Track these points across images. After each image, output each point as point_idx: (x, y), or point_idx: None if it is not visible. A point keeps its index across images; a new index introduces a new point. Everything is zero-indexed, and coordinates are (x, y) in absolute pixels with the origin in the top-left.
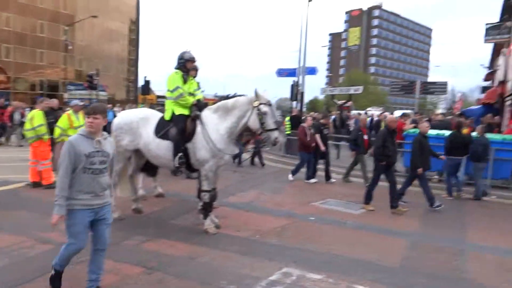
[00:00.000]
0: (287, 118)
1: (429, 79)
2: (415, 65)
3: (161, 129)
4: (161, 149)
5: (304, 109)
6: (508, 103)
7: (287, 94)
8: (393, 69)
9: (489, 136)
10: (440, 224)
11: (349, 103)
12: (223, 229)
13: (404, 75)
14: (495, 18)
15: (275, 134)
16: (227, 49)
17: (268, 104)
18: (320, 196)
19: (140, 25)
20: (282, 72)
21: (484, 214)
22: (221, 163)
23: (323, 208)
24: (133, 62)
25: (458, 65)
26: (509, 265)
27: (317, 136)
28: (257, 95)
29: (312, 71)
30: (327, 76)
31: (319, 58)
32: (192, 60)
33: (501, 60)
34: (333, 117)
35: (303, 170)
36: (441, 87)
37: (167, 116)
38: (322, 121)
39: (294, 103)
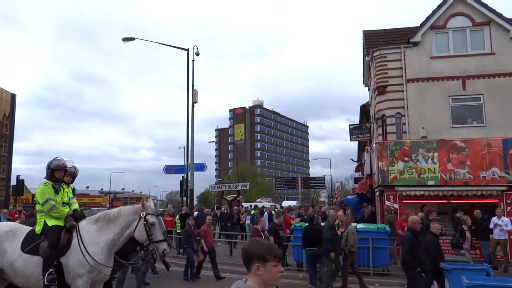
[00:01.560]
0: (177, 217)
1: (310, 170)
2: (296, 158)
3: (30, 243)
4: (29, 267)
5: (195, 203)
6: (377, 193)
7: (177, 186)
8: (277, 161)
9: (364, 226)
10: None
11: (239, 198)
12: None
13: (287, 166)
14: (357, 119)
15: (164, 245)
16: (114, 146)
17: (156, 214)
18: None
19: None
20: (170, 169)
21: None
22: (99, 277)
23: None
24: (5, 159)
25: (334, 157)
26: None
27: (272, 239)
28: (143, 205)
29: (200, 167)
30: (217, 170)
31: (208, 151)
32: (59, 169)
33: (366, 156)
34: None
35: None
36: (319, 182)
37: (38, 229)
38: (275, 221)
39: (184, 199)
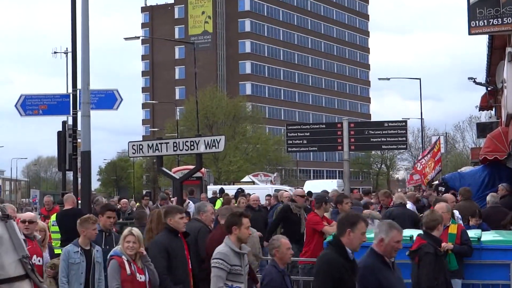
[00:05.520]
0: (53, 216)
1: (372, 107)
2: (337, 76)
3: None
4: None
5: (95, 186)
6: None
7: (52, 146)
8: (292, 85)
9: (498, 236)
10: None
11: (203, 173)
12: None
13: (317, 98)
14: None
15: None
16: None
17: (2, 216)
18: None
19: None
20: (33, 106)
21: None
22: None
23: None
24: None
25: (430, 76)
26: None
27: None
28: None
29: (107, 101)
30: (146, 107)
31: (127, 61)
32: None
33: (508, 70)
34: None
35: None
36: (394, 133)
37: None
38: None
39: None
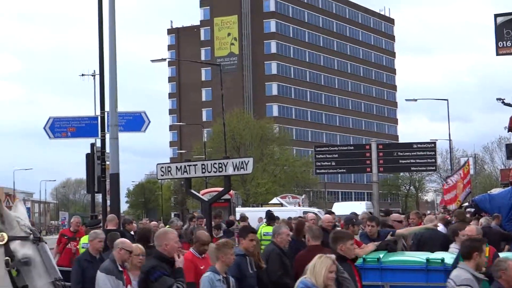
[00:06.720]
0: (82, 239)
1: (399, 128)
2: (364, 97)
3: None
4: None
5: (124, 208)
6: None
7: (80, 168)
8: (319, 106)
9: None
10: None
11: (231, 195)
12: None
13: (344, 120)
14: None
15: None
16: None
17: (33, 237)
18: None
19: None
20: (61, 128)
21: None
22: None
23: None
24: None
25: (458, 96)
26: None
27: None
28: (2, 217)
29: (135, 123)
30: (174, 128)
31: (154, 83)
32: None
33: None
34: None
35: None
36: (423, 155)
37: None
38: None
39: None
